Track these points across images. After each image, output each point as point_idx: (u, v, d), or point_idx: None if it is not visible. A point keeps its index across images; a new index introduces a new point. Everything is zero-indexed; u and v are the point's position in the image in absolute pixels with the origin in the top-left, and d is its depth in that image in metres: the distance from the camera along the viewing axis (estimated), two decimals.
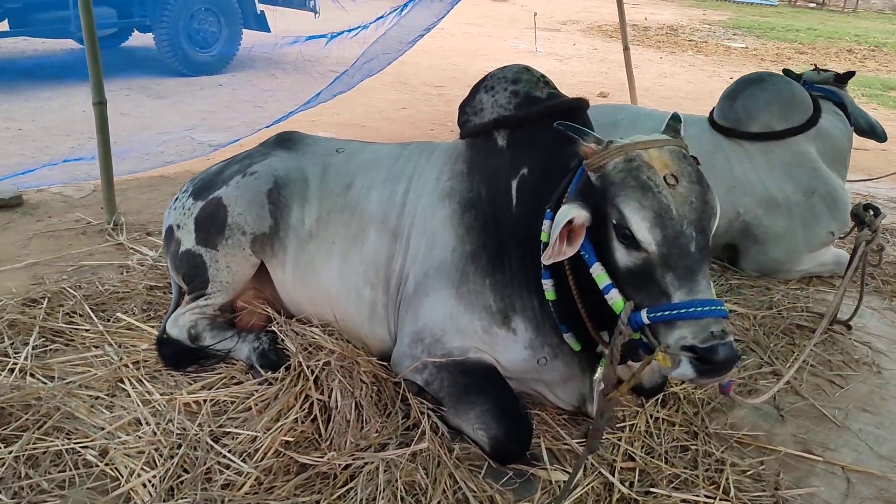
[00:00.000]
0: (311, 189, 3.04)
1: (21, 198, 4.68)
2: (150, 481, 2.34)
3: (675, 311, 1.95)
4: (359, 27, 6.58)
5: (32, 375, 2.81)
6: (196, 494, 2.26)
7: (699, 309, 1.93)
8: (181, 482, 2.32)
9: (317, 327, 2.93)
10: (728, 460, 2.66)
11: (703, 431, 2.82)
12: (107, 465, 2.40)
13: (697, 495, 2.48)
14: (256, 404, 2.63)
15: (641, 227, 2.01)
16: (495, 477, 2.51)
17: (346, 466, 2.43)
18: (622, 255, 2.09)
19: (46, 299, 3.33)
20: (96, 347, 3.03)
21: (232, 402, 2.70)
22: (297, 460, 2.43)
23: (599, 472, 2.54)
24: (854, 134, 4.45)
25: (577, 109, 2.73)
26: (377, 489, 2.32)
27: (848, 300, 3.73)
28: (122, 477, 2.36)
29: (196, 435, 2.52)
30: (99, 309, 3.32)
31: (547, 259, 2.17)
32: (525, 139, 2.70)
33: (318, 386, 2.65)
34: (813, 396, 3.16)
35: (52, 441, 2.45)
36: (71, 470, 2.36)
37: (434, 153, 2.98)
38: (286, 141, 3.31)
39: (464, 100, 2.93)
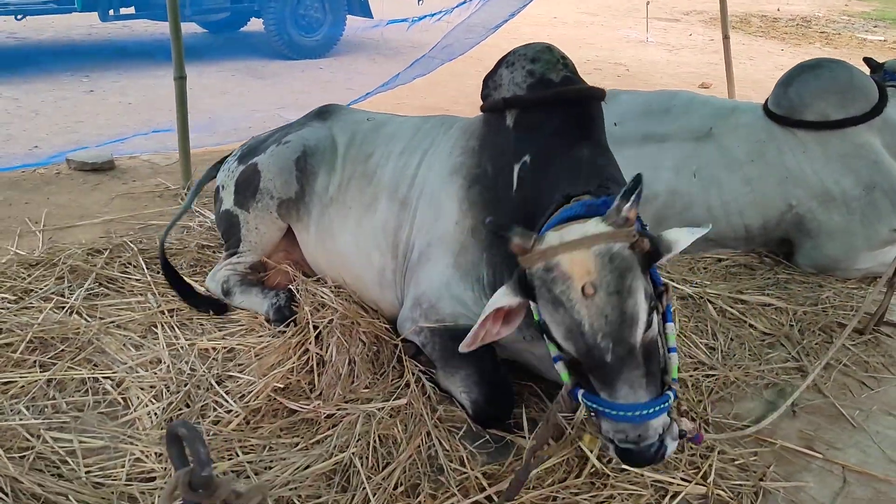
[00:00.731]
0: (337, 157, 3.22)
1: (113, 163, 5.15)
2: (154, 412, 2.59)
3: (599, 406, 1.94)
4: (441, 12, 6.72)
5: (79, 314, 3.14)
6: None
7: (615, 412, 1.90)
8: (179, 414, 2.56)
9: (330, 288, 3.10)
10: (718, 447, 2.61)
11: (702, 418, 2.78)
12: (120, 394, 2.68)
13: (673, 477, 2.46)
14: (258, 354, 2.84)
15: (557, 337, 1.97)
16: (472, 439, 2.58)
17: (330, 416, 2.59)
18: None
19: (108, 250, 3.69)
20: (140, 295, 3.33)
21: (242, 350, 2.92)
22: (286, 406, 2.61)
23: (579, 445, 2.56)
24: None
25: (588, 98, 2.71)
26: (353, 438, 2.46)
27: None
28: (132, 406, 2.63)
29: (203, 376, 2.75)
30: (152, 262, 3.64)
31: (463, 347, 2.16)
32: (532, 123, 2.67)
33: (319, 341, 2.82)
34: (835, 395, 3.01)
35: (79, 370, 2.76)
36: (89, 395, 2.65)
37: (452, 127, 3.07)
38: (323, 112, 3.52)
39: (488, 73, 2.95)
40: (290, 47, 9.84)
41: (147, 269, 3.54)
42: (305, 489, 2.29)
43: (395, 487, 2.33)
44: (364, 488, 2.29)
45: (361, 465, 2.37)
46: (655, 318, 1.99)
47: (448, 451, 2.49)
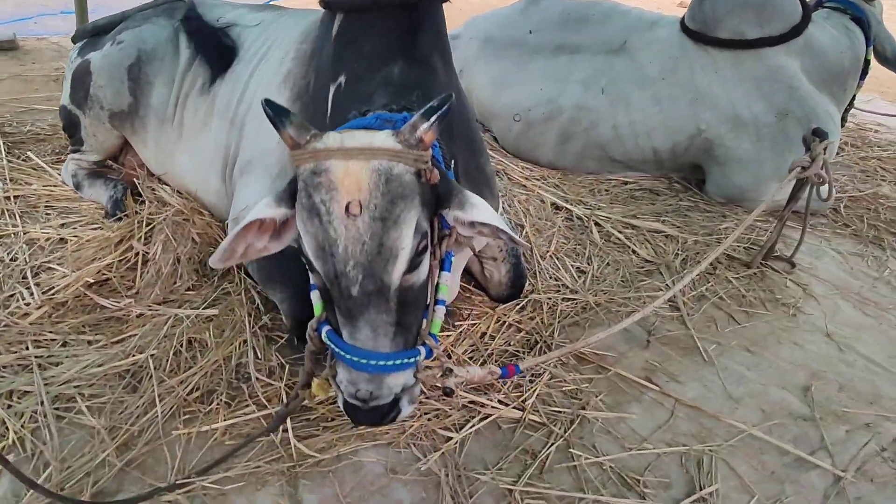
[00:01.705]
0: (178, 67, 2.93)
1: (15, 43, 4.87)
2: None
3: (336, 348, 1.70)
4: None
5: None
6: None
7: (349, 357, 1.66)
8: None
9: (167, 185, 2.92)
10: (548, 372, 2.50)
11: (544, 342, 2.66)
12: None
13: (490, 399, 2.35)
14: (82, 247, 2.68)
15: (308, 252, 1.66)
16: (292, 351, 2.46)
17: (141, 315, 2.46)
18: (311, 274, 1.77)
19: None
20: None
21: (71, 243, 2.77)
22: (97, 302, 2.48)
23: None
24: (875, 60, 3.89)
25: (413, 5, 2.25)
26: (156, 339, 2.34)
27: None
28: None
29: (20, 265, 2.61)
30: (15, 147, 3.45)
31: (213, 261, 1.76)
32: (352, 34, 2.29)
33: (149, 239, 2.67)
34: (698, 328, 2.89)
35: None
36: None
37: (296, 27, 2.76)
38: (175, 6, 3.14)
39: None
40: None
41: (4, 153, 3.35)
42: (89, 388, 2.19)
43: (191, 392, 2.23)
44: (153, 391, 2.18)
45: (157, 367, 2.26)
46: (426, 262, 1.75)
47: (260, 360, 2.38)
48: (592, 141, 3.82)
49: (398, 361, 1.68)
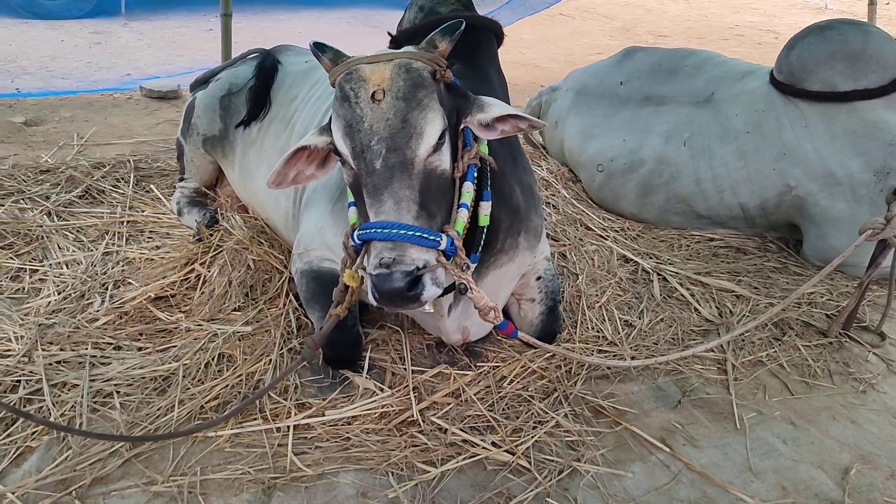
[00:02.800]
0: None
1: (179, 92, 5.61)
2: (49, 302, 2.89)
3: (363, 231, 1.89)
4: None
5: (50, 215, 3.54)
6: (67, 319, 2.77)
7: (372, 231, 1.84)
8: (65, 308, 2.84)
9: (245, 216, 3.24)
10: (553, 420, 2.47)
11: (563, 393, 2.62)
12: (39, 280, 3.02)
13: (484, 439, 2.37)
14: (154, 266, 3.06)
15: (337, 137, 1.95)
16: (313, 372, 2.63)
17: (189, 329, 2.75)
18: (344, 173, 2.05)
19: (111, 165, 4.09)
20: (112, 206, 3.68)
21: (154, 261, 3.16)
22: (155, 315, 2.81)
23: (412, 396, 2.53)
24: None
25: (469, 27, 2.60)
26: (192, 351, 2.62)
27: None
28: (41, 292, 2.95)
29: (106, 279, 3.02)
30: (142, 179, 3.98)
31: (269, 182, 2.13)
32: None
33: (212, 262, 2.99)
34: (741, 394, 2.70)
35: (14, 261, 3.13)
36: (11, 282, 3.01)
37: None
38: (269, 51, 3.56)
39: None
40: None
41: (131, 185, 3.89)
42: (126, 388, 2.49)
43: (210, 401, 2.46)
44: (176, 396, 2.44)
45: (186, 376, 2.52)
46: (448, 152, 1.99)
47: (286, 380, 2.56)
48: (674, 194, 3.71)
49: (417, 234, 1.84)
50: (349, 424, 2.42)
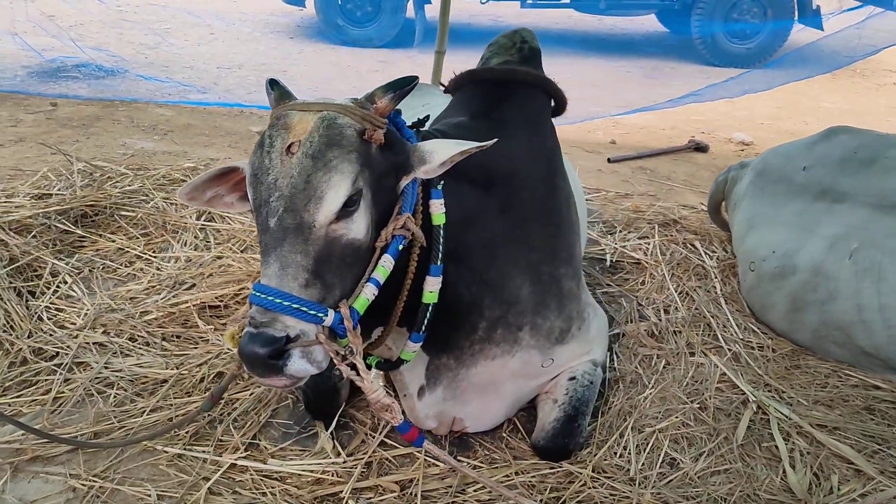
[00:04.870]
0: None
1: None
2: (138, 288, 3.21)
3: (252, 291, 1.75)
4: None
5: (201, 215, 3.93)
6: (129, 307, 3.05)
7: (253, 292, 1.70)
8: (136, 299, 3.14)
9: None
10: None
11: None
12: (143, 268, 3.38)
13: None
14: (219, 275, 3.21)
15: (247, 181, 1.81)
16: (291, 416, 2.58)
17: (209, 342, 2.85)
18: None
19: None
20: None
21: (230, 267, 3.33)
22: (196, 321, 2.96)
23: (359, 471, 2.32)
24: None
25: (504, 81, 2.40)
26: (198, 363, 2.71)
27: None
28: (138, 279, 3.30)
29: (186, 277, 3.27)
30: None
31: (179, 192, 2.07)
32: (456, 103, 2.51)
33: None
34: None
35: (136, 248, 3.54)
36: (131, 268, 3.41)
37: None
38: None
39: None
40: (714, 53, 9.17)
41: None
42: (125, 381, 2.65)
43: (179, 416, 2.51)
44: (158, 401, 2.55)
45: (175, 384, 2.62)
46: (362, 222, 1.79)
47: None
48: (830, 318, 2.86)
49: (294, 305, 1.66)
50: (279, 480, 2.29)
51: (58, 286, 3.18)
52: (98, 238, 3.62)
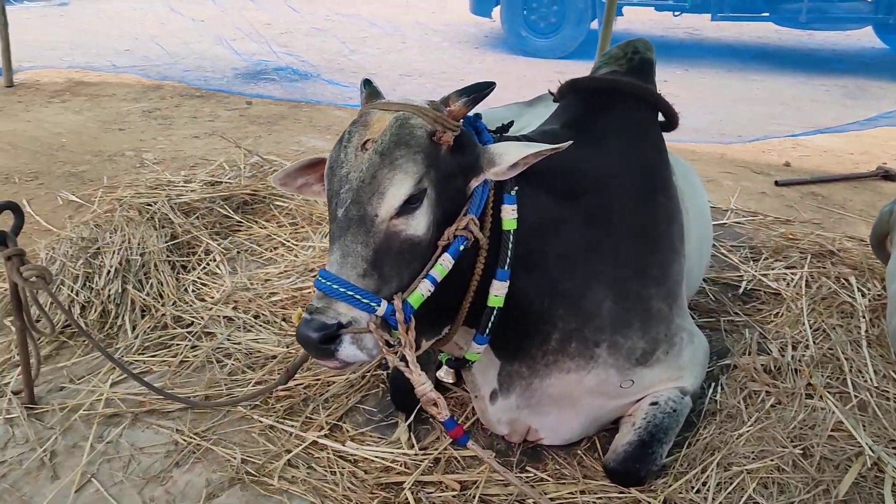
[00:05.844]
0: None
1: None
2: (276, 271, 3.50)
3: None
4: None
5: None
6: (262, 289, 3.34)
7: (317, 278, 1.83)
8: (269, 281, 3.42)
9: None
10: None
11: None
12: (284, 254, 3.67)
13: None
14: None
15: (325, 171, 1.94)
16: (378, 404, 2.72)
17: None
18: None
19: None
20: None
21: None
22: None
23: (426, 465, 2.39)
24: None
25: (600, 91, 2.42)
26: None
27: None
28: (277, 263, 3.59)
29: (261, 276, 3.51)
30: None
31: (273, 177, 2.25)
32: (556, 112, 2.57)
33: None
34: None
35: (281, 236, 3.85)
36: (275, 252, 3.74)
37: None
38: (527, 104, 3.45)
39: None
40: None
41: None
42: (240, 354, 2.92)
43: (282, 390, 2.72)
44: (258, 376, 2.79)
45: (282, 361, 2.85)
46: (423, 220, 1.85)
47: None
48: None
49: (349, 292, 1.76)
50: (351, 462, 2.41)
51: (207, 264, 3.57)
52: (252, 224, 3.99)
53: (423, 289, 1.87)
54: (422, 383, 1.93)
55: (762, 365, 2.86)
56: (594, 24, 9.16)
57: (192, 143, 5.61)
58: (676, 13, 9.67)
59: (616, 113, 2.35)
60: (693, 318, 3.17)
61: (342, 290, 1.77)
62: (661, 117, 2.52)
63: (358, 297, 1.77)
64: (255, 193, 4.20)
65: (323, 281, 1.79)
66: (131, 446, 2.46)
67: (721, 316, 3.24)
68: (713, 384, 2.74)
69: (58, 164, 5.07)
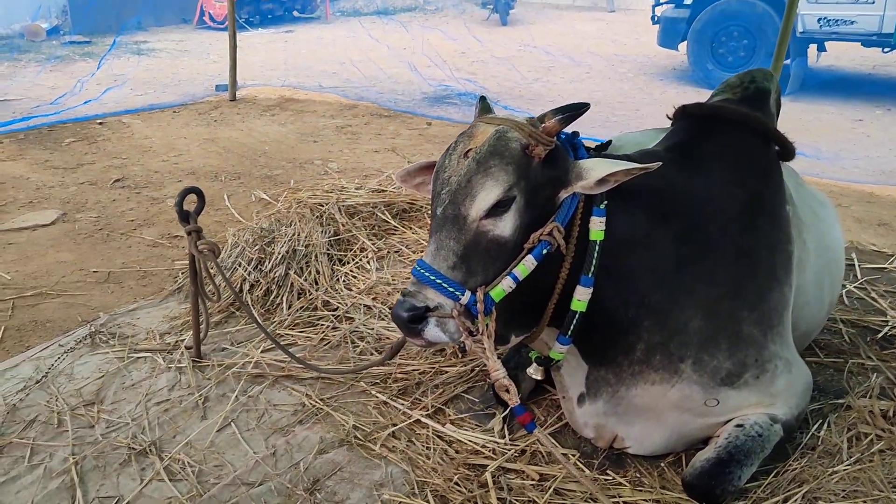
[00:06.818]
0: None
1: None
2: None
3: None
4: None
5: None
6: (395, 282, 3.70)
7: (415, 266, 2.09)
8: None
9: None
10: None
11: None
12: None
13: None
14: None
15: (433, 175, 2.21)
16: (481, 394, 2.95)
17: None
18: None
19: None
20: None
21: None
22: None
23: (513, 454, 2.58)
24: None
25: (707, 118, 2.49)
26: None
27: None
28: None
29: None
30: None
31: (397, 174, 2.54)
32: (669, 134, 2.69)
33: None
34: None
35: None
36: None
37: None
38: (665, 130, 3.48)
39: None
40: None
41: None
42: (370, 337, 3.28)
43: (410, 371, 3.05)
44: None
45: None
46: (510, 222, 2.06)
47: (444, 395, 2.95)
48: None
49: (438, 281, 2.02)
50: (446, 442, 2.66)
51: (360, 259, 4.00)
52: (407, 230, 4.39)
53: (505, 285, 2.06)
54: (496, 370, 2.14)
55: (881, 409, 2.73)
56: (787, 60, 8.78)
57: (371, 156, 6.19)
58: (886, 49, 9.00)
59: (720, 139, 2.42)
60: (817, 356, 3.11)
61: (432, 278, 2.03)
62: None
63: (445, 285, 2.02)
64: (413, 202, 4.60)
65: (418, 269, 2.06)
66: (267, 402, 2.89)
67: (850, 357, 3.11)
68: (820, 421, 2.68)
69: (257, 168, 5.85)
